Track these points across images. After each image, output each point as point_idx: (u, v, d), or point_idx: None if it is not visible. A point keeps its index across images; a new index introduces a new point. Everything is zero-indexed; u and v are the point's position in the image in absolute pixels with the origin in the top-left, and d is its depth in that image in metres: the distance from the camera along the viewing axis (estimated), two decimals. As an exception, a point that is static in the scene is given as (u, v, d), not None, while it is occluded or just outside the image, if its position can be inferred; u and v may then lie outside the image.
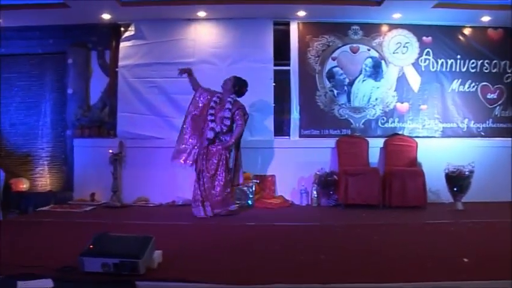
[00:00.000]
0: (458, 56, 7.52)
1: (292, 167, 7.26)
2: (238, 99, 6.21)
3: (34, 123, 7.64)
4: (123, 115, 7.35)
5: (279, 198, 7.06)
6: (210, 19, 7.39)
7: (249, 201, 6.86)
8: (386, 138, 7.32)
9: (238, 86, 6.21)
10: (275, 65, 7.39)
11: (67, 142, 7.48)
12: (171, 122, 7.05)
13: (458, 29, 7.55)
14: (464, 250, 3.80)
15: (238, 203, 6.75)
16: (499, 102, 7.53)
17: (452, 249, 3.93)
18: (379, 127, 7.45)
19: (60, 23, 7.31)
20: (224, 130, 6.02)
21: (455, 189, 6.45)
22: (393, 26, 7.51)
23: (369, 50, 7.50)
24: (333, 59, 7.48)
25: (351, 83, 7.48)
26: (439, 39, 7.51)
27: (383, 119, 7.45)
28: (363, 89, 7.47)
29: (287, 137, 7.46)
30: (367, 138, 7.27)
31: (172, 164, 6.14)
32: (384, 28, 7.52)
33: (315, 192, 7.00)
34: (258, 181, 7.11)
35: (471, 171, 6.37)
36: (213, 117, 6.03)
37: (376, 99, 7.46)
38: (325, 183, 6.91)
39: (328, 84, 7.46)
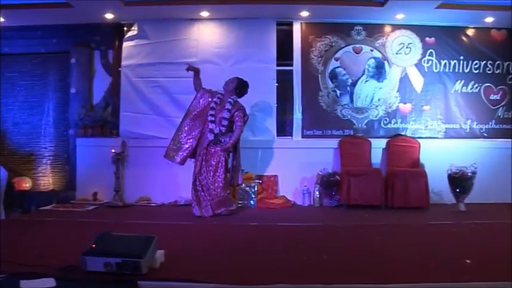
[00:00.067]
0: (462, 57, 7.50)
1: (295, 167, 7.26)
2: (238, 100, 6.21)
3: (37, 123, 7.65)
4: (125, 115, 7.36)
5: (281, 198, 7.06)
6: (213, 19, 7.39)
7: (251, 201, 6.86)
8: (388, 139, 7.31)
9: (240, 87, 6.21)
10: (278, 65, 7.38)
11: (70, 141, 7.50)
12: (174, 122, 7.02)
13: (462, 29, 7.53)
14: (467, 251, 3.79)
15: (241, 203, 6.77)
16: (502, 103, 7.52)
17: (455, 250, 3.92)
18: (382, 128, 7.44)
19: (63, 22, 7.33)
20: (223, 131, 6.01)
21: (457, 190, 6.44)
22: (396, 27, 7.50)
23: (371, 50, 7.50)
24: (336, 60, 7.48)
25: (354, 84, 7.47)
26: (442, 40, 7.50)
27: (386, 120, 7.44)
28: (366, 90, 7.47)
29: (289, 137, 7.46)
30: (369, 139, 7.26)
31: (164, 159, 6.16)
32: (387, 29, 7.51)
33: (317, 193, 7.00)
34: (260, 181, 7.12)
35: (474, 172, 6.36)
36: (213, 118, 6.02)
37: (379, 99, 7.46)
38: (328, 183, 6.91)
39: (330, 84, 7.45)
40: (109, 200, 7.01)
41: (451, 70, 7.50)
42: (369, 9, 6.93)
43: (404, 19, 7.33)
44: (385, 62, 7.49)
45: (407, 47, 7.50)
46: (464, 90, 7.50)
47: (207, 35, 7.43)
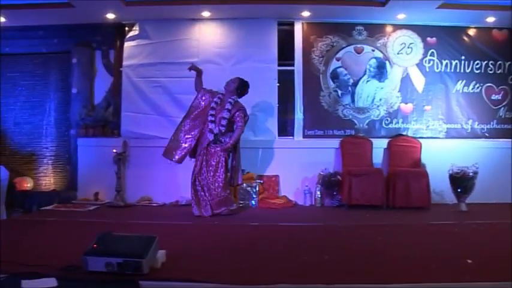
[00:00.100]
0: (463, 57, 7.50)
1: (296, 167, 7.26)
2: (239, 100, 6.21)
3: (38, 123, 7.65)
4: (127, 115, 7.37)
5: (282, 198, 7.06)
6: (214, 19, 7.40)
7: (253, 201, 6.86)
8: (390, 139, 7.31)
9: (241, 87, 6.21)
10: (279, 65, 7.38)
11: (71, 141, 7.50)
12: (175, 122, 6.99)
13: (463, 29, 7.53)
14: (468, 251, 3.79)
15: (242, 203, 6.77)
16: (504, 103, 7.51)
17: (456, 250, 3.92)
18: (383, 128, 7.44)
19: (64, 22, 7.33)
20: (222, 131, 6.01)
21: (459, 190, 6.43)
22: (397, 27, 7.50)
23: (373, 50, 7.50)
24: (337, 60, 7.48)
25: (355, 84, 7.47)
26: (443, 40, 7.50)
27: (387, 120, 7.44)
28: (367, 90, 7.46)
29: (291, 137, 7.46)
30: (371, 139, 7.26)
31: (166, 159, 6.16)
32: (388, 29, 7.51)
33: (318, 193, 6.99)
34: (261, 181, 7.12)
35: (475, 172, 6.35)
36: (213, 118, 6.02)
37: (380, 99, 7.45)
38: (329, 183, 6.91)
39: (332, 84, 7.45)
40: (110, 200, 7.02)
41: (452, 70, 7.49)
42: (370, 9, 6.92)
43: (405, 19, 7.32)
44: (387, 62, 7.48)
45: (408, 47, 7.49)
46: (465, 90, 7.50)
47: (208, 35, 7.44)
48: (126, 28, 7.47)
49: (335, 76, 7.47)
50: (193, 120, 6.15)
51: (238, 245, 4.19)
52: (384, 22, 7.47)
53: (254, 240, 4.46)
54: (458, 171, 6.39)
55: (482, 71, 7.50)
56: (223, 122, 5.98)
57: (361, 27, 7.48)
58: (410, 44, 7.49)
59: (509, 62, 7.50)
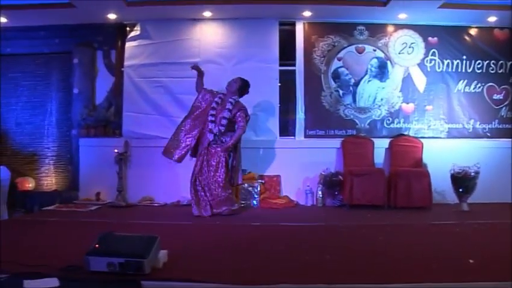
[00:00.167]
0: (464, 57, 7.49)
1: (297, 167, 7.26)
2: (240, 100, 6.22)
3: (40, 123, 7.66)
4: (128, 115, 7.37)
5: (284, 198, 7.06)
6: (216, 19, 7.40)
7: (254, 201, 6.87)
8: (391, 139, 7.31)
9: (243, 87, 6.22)
10: (280, 65, 7.38)
11: (73, 141, 7.51)
12: (177, 122, 6.99)
13: (464, 29, 7.52)
14: (470, 251, 3.78)
15: (243, 203, 6.77)
16: (505, 103, 7.50)
17: (458, 250, 3.91)
18: (385, 127, 7.43)
19: (66, 22, 7.34)
20: (222, 130, 6.01)
21: (460, 190, 6.43)
22: (399, 27, 7.50)
23: (374, 50, 7.49)
24: (339, 59, 7.48)
25: (357, 84, 7.47)
26: (444, 39, 7.49)
27: (388, 120, 7.44)
28: (369, 90, 7.46)
29: (292, 137, 7.46)
30: (372, 139, 7.26)
31: (167, 159, 6.19)
32: (390, 28, 7.50)
33: (320, 193, 6.99)
34: (263, 181, 7.12)
35: (477, 172, 6.35)
36: (213, 118, 6.03)
37: (382, 99, 7.45)
38: (330, 183, 6.91)
39: (333, 84, 7.45)
40: (112, 200, 7.03)
41: (453, 70, 7.49)
42: (371, 9, 6.92)
43: (407, 19, 7.32)
44: (388, 62, 7.48)
45: (410, 47, 7.49)
46: (467, 89, 7.49)
47: (209, 35, 7.44)
48: (128, 28, 7.48)
49: (336, 76, 7.46)
50: (194, 120, 6.16)
51: (240, 245, 4.20)
52: (385, 22, 7.46)
53: (255, 240, 4.46)
54: (460, 171, 6.39)
55: (484, 70, 7.50)
56: (224, 122, 5.99)
57: (362, 27, 7.48)
58: (412, 43, 7.49)
59: (510, 62, 7.49)
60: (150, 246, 3.08)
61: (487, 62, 7.50)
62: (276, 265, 3.40)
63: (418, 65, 7.48)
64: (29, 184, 7.35)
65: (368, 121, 7.44)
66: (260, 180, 7.07)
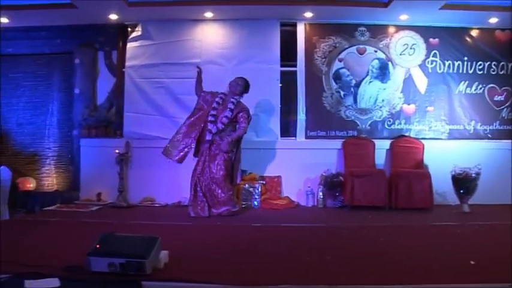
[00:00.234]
0: (466, 58, 7.49)
1: (298, 168, 7.26)
2: (241, 100, 6.23)
3: (41, 123, 7.66)
4: (129, 115, 7.38)
5: (284, 199, 7.06)
6: (217, 20, 7.40)
7: (255, 202, 6.87)
8: (392, 140, 7.31)
9: (246, 88, 6.23)
10: (282, 65, 7.39)
11: (74, 142, 7.51)
12: (178, 123, 7.01)
13: (466, 30, 7.52)
14: (471, 252, 3.78)
15: (244, 204, 6.78)
16: (506, 104, 7.50)
17: (459, 251, 3.91)
18: (386, 129, 7.43)
19: (67, 23, 7.35)
20: (221, 129, 6.01)
21: (461, 191, 6.42)
22: (400, 28, 7.49)
23: (375, 51, 7.49)
24: (340, 60, 7.48)
25: (358, 85, 7.47)
26: (446, 40, 7.49)
27: (389, 121, 7.43)
28: (370, 91, 7.46)
29: (293, 138, 7.46)
30: (373, 140, 7.26)
31: (168, 160, 6.19)
32: (391, 29, 7.50)
33: (320, 194, 6.99)
34: (263, 182, 7.11)
35: (478, 174, 6.34)
36: (213, 118, 6.03)
37: (383, 100, 7.45)
38: (331, 184, 6.90)
39: (334, 85, 7.45)
40: (113, 200, 7.02)
41: (455, 71, 7.48)
42: (372, 10, 6.92)
43: (408, 20, 7.32)
44: (389, 63, 7.48)
45: (411, 48, 7.49)
46: (468, 91, 7.49)
47: (210, 35, 7.45)
48: (129, 29, 7.49)
49: (337, 77, 7.46)
50: (195, 121, 6.18)
51: (241, 246, 4.20)
52: (387, 23, 7.46)
53: (256, 241, 4.46)
54: (461, 172, 6.38)
55: (485, 71, 7.49)
56: (224, 120, 5.99)
57: (363, 28, 7.48)
58: (413, 44, 7.49)
59: (512, 63, 7.50)
60: (151, 247, 3.08)
61: (488, 63, 7.49)
62: (277, 266, 3.40)
63: (419, 66, 7.48)
64: (30, 184, 7.36)
65: (369, 122, 7.44)
66: (261, 181, 7.06)
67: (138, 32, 7.43)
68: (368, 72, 7.48)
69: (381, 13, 7.01)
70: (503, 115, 7.49)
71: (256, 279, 3.05)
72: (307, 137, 7.40)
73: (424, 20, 7.31)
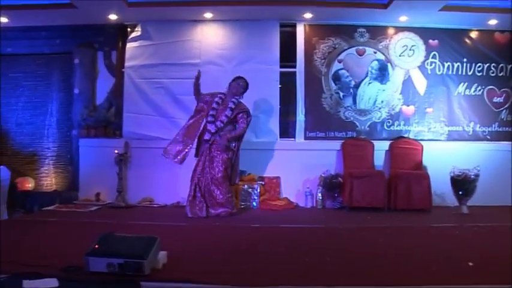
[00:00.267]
0: (465, 60, 7.49)
1: (297, 169, 7.25)
2: (241, 100, 6.24)
3: (40, 123, 7.66)
4: (128, 115, 7.37)
5: (283, 200, 7.06)
6: (217, 20, 7.40)
7: (254, 203, 6.87)
8: (391, 141, 7.31)
9: (246, 88, 6.25)
10: (281, 66, 7.39)
11: (73, 142, 7.51)
12: (177, 123, 7.05)
13: (465, 32, 7.52)
14: (469, 254, 3.79)
15: (243, 205, 6.78)
16: (505, 106, 7.51)
17: (457, 252, 3.92)
18: (385, 130, 7.43)
19: (67, 23, 7.35)
20: (219, 127, 6.01)
21: (460, 192, 6.42)
22: (399, 29, 7.50)
23: (375, 52, 7.49)
24: (339, 61, 7.48)
25: (357, 86, 7.47)
26: (445, 42, 7.49)
27: (389, 122, 7.44)
28: (369, 92, 7.46)
29: (292, 139, 7.46)
30: (372, 141, 7.25)
31: (167, 160, 6.18)
32: (390, 31, 7.51)
33: (319, 195, 6.99)
34: (262, 183, 7.12)
35: (476, 175, 6.35)
36: (212, 119, 6.04)
37: (382, 101, 7.45)
38: (330, 185, 6.90)
39: (334, 86, 7.45)
40: (112, 200, 7.03)
41: (454, 72, 7.49)
42: (372, 11, 6.93)
43: (407, 21, 7.32)
44: (388, 64, 7.48)
45: (410, 49, 7.49)
46: (467, 92, 7.49)
47: (210, 36, 7.44)
48: (129, 29, 7.48)
49: (337, 78, 7.47)
50: (195, 122, 6.19)
51: (240, 247, 4.20)
52: (386, 24, 7.47)
53: (255, 241, 4.46)
54: (460, 173, 6.39)
55: (484, 73, 7.50)
56: (223, 119, 6.01)
57: (363, 29, 7.48)
58: (412, 46, 7.49)
59: (511, 65, 7.50)
60: (149, 247, 3.08)
61: (487, 65, 7.50)
62: (276, 267, 3.40)
63: (419, 67, 7.48)
64: (29, 184, 7.35)
65: (368, 123, 7.44)
66: (260, 182, 7.07)
67: (137, 32, 7.43)
68: (367, 73, 7.48)
69: (381, 14, 7.01)
70: (502, 117, 7.49)
71: (255, 279, 3.05)
72: (306, 138, 7.40)
73: (424, 22, 7.32)
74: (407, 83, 7.47)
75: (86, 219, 5.74)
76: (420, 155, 7.15)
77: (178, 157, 6.04)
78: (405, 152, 7.18)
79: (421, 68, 7.48)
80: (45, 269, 3.04)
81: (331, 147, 7.30)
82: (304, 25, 7.47)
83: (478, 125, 7.47)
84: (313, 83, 7.42)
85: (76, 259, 3.12)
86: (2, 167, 6.05)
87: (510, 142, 7.35)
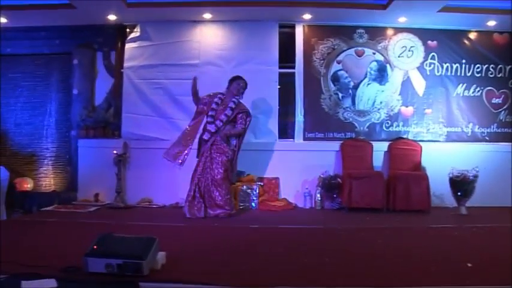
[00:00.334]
0: (464, 61, 7.50)
1: (296, 169, 7.26)
2: (241, 100, 6.24)
3: (39, 123, 7.65)
4: (127, 116, 7.37)
5: (282, 200, 7.06)
6: (216, 21, 7.40)
7: (253, 204, 6.86)
8: (390, 142, 7.31)
9: (245, 88, 6.25)
10: (280, 67, 7.39)
11: (72, 142, 7.50)
12: (176, 124, 7.06)
13: (464, 33, 7.53)
14: (468, 255, 3.79)
15: (242, 205, 6.77)
16: (504, 107, 7.51)
17: (456, 253, 3.92)
18: (384, 131, 7.44)
19: (66, 23, 7.35)
20: (219, 126, 6.02)
21: (459, 193, 6.42)
22: (398, 30, 7.50)
23: (374, 53, 7.50)
24: (338, 62, 7.48)
25: (356, 87, 7.47)
26: (444, 43, 7.50)
27: (387, 123, 7.44)
28: (368, 93, 7.46)
29: (291, 139, 7.46)
30: (371, 142, 7.26)
31: (166, 161, 6.18)
32: (389, 32, 7.51)
33: (318, 195, 6.99)
34: (261, 183, 7.11)
35: (475, 176, 6.35)
36: (211, 119, 6.06)
37: (381, 102, 7.46)
38: (329, 186, 6.91)
39: (333, 87, 7.45)
40: (111, 201, 7.02)
41: (453, 73, 7.50)
42: (371, 12, 6.93)
43: (406, 22, 7.33)
44: (387, 65, 7.49)
45: (409, 50, 7.50)
46: (466, 93, 7.50)
47: (209, 37, 7.44)
48: (128, 30, 7.48)
49: (336, 79, 7.47)
50: (196, 124, 6.22)
51: (238, 247, 4.20)
52: (385, 25, 7.47)
53: (254, 242, 4.46)
54: (459, 174, 6.39)
55: (483, 74, 7.51)
56: (223, 118, 6.02)
57: (362, 30, 7.49)
58: (411, 47, 7.50)
59: (509, 66, 7.51)
60: (148, 248, 3.08)
61: (486, 66, 7.51)
62: (275, 267, 3.40)
63: (418, 68, 7.49)
64: (28, 185, 7.34)
65: (367, 124, 7.44)
66: (259, 183, 7.06)
67: (136, 32, 7.42)
68: (366, 74, 7.49)
69: (380, 15, 7.02)
70: (501, 118, 7.50)
71: (254, 280, 3.05)
72: (305, 139, 7.40)
73: (423, 23, 7.32)
74: (406, 84, 7.47)
75: (84, 219, 5.74)
76: (419, 156, 7.15)
77: (179, 160, 6.04)
78: (404, 152, 7.18)
79: (420, 69, 7.49)
80: (43, 269, 3.04)
81: (330, 148, 7.30)
82: (303, 26, 7.47)
83: (477, 126, 7.47)
84: (312, 83, 7.42)
85: (75, 260, 3.12)
86: (0, 167, 6.04)
87: (509, 143, 7.35)
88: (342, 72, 7.48)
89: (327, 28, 7.50)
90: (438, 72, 7.49)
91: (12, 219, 5.94)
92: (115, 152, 7.07)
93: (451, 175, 6.46)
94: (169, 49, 7.37)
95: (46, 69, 7.67)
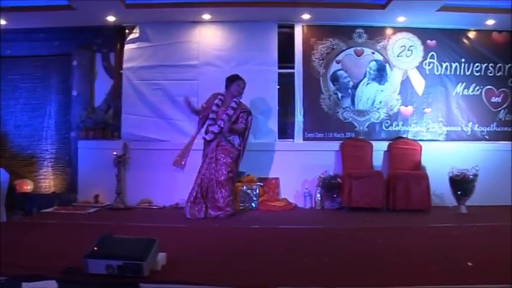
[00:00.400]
0: (463, 60, 7.50)
1: (296, 169, 7.26)
2: (241, 101, 6.26)
3: (38, 125, 7.65)
4: (127, 117, 7.36)
5: (282, 201, 7.06)
6: (215, 22, 7.40)
7: (253, 204, 6.85)
8: (390, 142, 7.31)
9: (244, 88, 6.27)
10: (279, 67, 7.38)
11: (71, 144, 7.50)
12: (175, 125, 7.07)
13: (463, 32, 7.53)
14: (468, 254, 3.79)
15: (242, 206, 6.77)
16: (504, 106, 7.51)
17: (456, 253, 3.92)
18: (383, 130, 7.44)
19: (65, 25, 7.35)
20: (221, 126, 6.03)
21: (459, 192, 6.42)
22: (397, 29, 7.50)
23: (373, 53, 7.50)
24: (337, 62, 7.48)
25: (355, 86, 7.47)
26: (443, 42, 7.50)
27: (387, 122, 7.44)
28: (367, 92, 7.46)
29: (291, 139, 7.46)
30: (371, 142, 7.26)
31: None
32: (388, 31, 7.51)
33: (318, 195, 6.99)
34: (261, 184, 7.11)
35: (475, 175, 6.35)
36: (212, 122, 6.07)
37: (380, 102, 7.45)
38: (329, 186, 6.91)
39: (332, 87, 7.45)
40: (110, 202, 7.02)
41: (452, 73, 7.49)
42: (370, 12, 6.92)
43: (405, 22, 7.32)
44: (387, 65, 7.49)
45: (408, 50, 7.50)
46: (465, 92, 7.50)
47: (208, 37, 7.44)
48: (127, 31, 7.47)
49: (335, 79, 7.47)
50: (199, 129, 6.25)
51: (239, 248, 4.20)
52: (384, 25, 7.47)
53: (254, 242, 4.46)
54: (459, 173, 6.39)
55: (482, 73, 7.50)
56: (225, 117, 6.04)
57: (361, 30, 7.49)
58: (411, 46, 7.50)
59: (509, 65, 7.50)
60: (148, 249, 3.08)
61: (485, 65, 7.50)
62: (275, 268, 3.40)
63: (417, 67, 7.49)
64: (28, 186, 7.34)
65: (367, 124, 7.44)
66: (259, 183, 7.06)
67: (135, 33, 7.42)
68: (365, 74, 7.49)
69: (379, 15, 7.01)
70: (501, 116, 7.50)
71: (254, 281, 3.06)
72: (305, 139, 7.40)
73: (422, 22, 7.32)
74: (406, 83, 7.47)
75: (84, 221, 5.75)
76: (419, 155, 7.15)
77: (182, 163, 6.08)
78: (404, 152, 7.18)
79: (419, 68, 7.49)
80: (44, 271, 3.04)
81: (329, 147, 7.30)
82: (302, 26, 7.47)
83: (477, 125, 7.47)
84: (311, 83, 7.42)
85: (75, 261, 3.12)
86: (0, 169, 6.05)
87: (508, 142, 7.35)
88: (341, 72, 7.47)
89: (326, 28, 7.50)
90: (437, 71, 7.49)
91: (12, 221, 5.95)
92: (115, 153, 7.07)
93: (451, 174, 6.46)
94: (168, 50, 7.37)
95: (45, 70, 7.67)
